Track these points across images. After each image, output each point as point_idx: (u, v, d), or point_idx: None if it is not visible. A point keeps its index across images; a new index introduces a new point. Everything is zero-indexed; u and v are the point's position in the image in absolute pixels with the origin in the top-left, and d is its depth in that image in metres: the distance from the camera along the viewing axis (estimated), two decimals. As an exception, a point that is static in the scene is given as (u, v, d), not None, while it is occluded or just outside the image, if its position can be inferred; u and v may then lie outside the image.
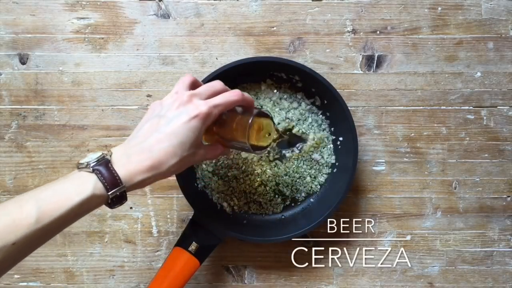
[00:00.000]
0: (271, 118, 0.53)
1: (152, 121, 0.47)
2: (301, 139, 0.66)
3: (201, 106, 0.46)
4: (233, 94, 0.50)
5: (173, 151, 0.45)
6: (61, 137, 0.67)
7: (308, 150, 0.65)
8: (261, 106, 0.65)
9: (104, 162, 0.43)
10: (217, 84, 0.51)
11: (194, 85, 0.50)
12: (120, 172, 0.43)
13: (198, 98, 0.48)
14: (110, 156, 0.44)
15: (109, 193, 0.42)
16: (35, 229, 0.40)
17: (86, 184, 0.42)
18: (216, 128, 0.51)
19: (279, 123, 0.65)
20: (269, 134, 0.54)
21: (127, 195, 0.44)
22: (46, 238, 0.42)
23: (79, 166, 0.44)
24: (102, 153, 0.44)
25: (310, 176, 0.66)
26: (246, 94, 0.51)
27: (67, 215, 0.41)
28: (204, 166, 0.66)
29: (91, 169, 0.42)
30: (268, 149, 0.57)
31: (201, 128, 0.47)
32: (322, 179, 0.66)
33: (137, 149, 0.45)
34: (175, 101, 0.47)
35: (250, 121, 0.50)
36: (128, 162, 0.44)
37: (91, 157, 0.44)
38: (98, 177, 0.42)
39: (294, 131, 0.65)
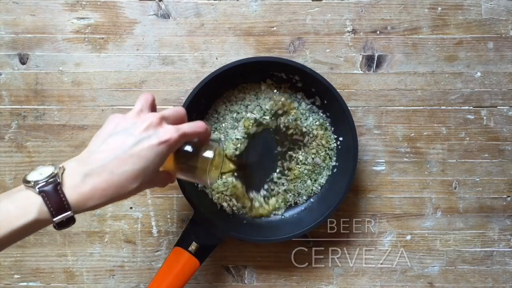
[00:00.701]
0: (224, 150, 0.54)
1: (115, 137, 0.43)
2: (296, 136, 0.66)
3: (172, 132, 0.44)
4: (200, 126, 0.48)
5: (135, 175, 0.42)
6: (61, 137, 0.67)
7: (315, 141, 0.65)
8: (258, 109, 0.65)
9: (54, 183, 0.39)
10: (182, 110, 0.49)
11: (152, 104, 0.48)
12: (71, 196, 0.39)
13: (167, 122, 0.45)
14: (62, 173, 0.40)
15: (54, 219, 0.39)
16: None
17: (30, 207, 0.38)
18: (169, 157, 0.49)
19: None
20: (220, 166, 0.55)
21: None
22: None
23: (25, 183, 0.40)
24: (52, 172, 0.40)
25: (311, 179, 0.66)
26: (207, 127, 0.50)
27: (7, 238, 0.38)
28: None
29: (38, 190, 0.39)
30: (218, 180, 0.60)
31: (166, 154, 0.44)
32: (322, 180, 0.66)
33: (96, 168, 0.41)
34: (144, 121, 0.44)
35: (212, 155, 0.50)
36: (82, 183, 0.40)
37: (41, 174, 0.40)
38: (44, 201, 0.38)
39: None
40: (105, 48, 0.67)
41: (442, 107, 0.68)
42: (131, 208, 0.67)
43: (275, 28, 0.67)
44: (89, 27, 0.66)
